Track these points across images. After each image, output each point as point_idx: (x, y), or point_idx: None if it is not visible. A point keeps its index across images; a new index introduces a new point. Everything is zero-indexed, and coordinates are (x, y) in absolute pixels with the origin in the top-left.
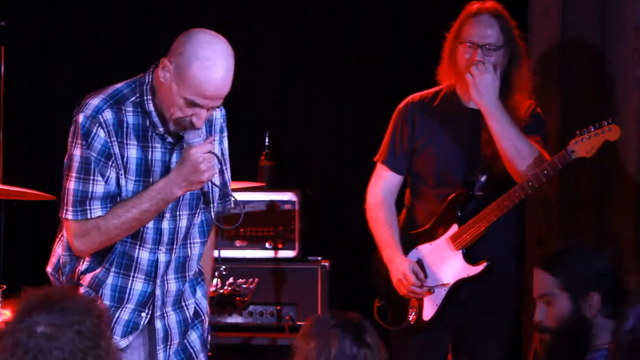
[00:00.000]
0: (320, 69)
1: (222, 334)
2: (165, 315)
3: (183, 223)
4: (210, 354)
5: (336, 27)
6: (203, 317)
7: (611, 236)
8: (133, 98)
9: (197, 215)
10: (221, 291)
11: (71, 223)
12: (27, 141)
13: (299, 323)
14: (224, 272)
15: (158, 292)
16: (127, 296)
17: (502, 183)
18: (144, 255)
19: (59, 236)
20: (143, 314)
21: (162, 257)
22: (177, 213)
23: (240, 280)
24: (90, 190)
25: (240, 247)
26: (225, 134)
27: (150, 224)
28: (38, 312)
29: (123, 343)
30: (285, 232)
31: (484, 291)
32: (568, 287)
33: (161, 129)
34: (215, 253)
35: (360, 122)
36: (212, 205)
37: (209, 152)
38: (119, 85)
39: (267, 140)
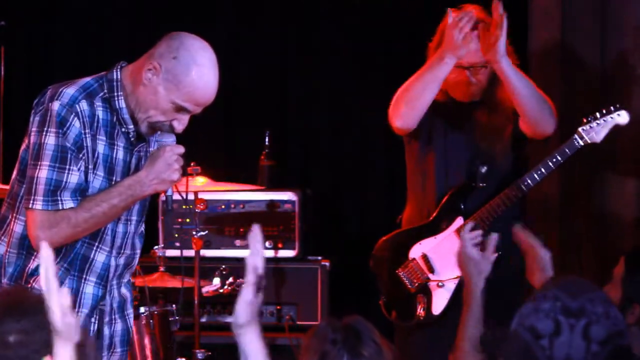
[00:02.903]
0: (321, 69)
1: (222, 334)
2: (113, 322)
3: (132, 228)
4: (209, 353)
5: (337, 27)
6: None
7: (611, 236)
8: (101, 94)
9: (141, 222)
10: (221, 291)
11: (38, 213)
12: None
13: (299, 323)
14: (224, 272)
15: (107, 297)
16: (80, 300)
17: (503, 174)
18: (99, 258)
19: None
20: (92, 319)
21: (113, 261)
22: (129, 217)
23: (240, 280)
24: (64, 180)
25: (240, 247)
26: None
27: (109, 225)
28: (3, 320)
29: None
30: (285, 232)
31: (488, 289)
32: (625, 290)
33: (131, 127)
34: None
35: (360, 122)
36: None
37: (179, 154)
38: (87, 79)
39: (267, 140)
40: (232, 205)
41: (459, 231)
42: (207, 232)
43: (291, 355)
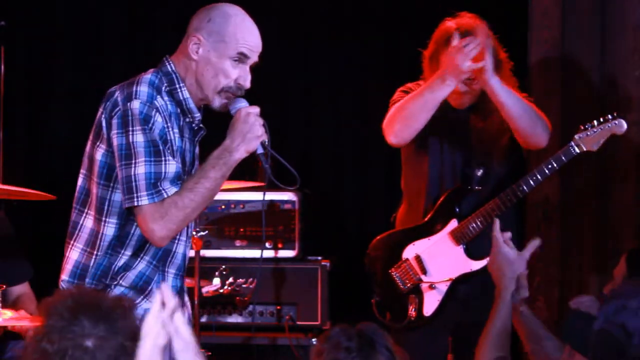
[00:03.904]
0: (321, 69)
1: (222, 334)
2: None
3: None
4: (209, 353)
5: (337, 28)
6: None
7: (611, 236)
8: (163, 88)
9: None
10: (221, 291)
11: (147, 208)
12: (27, 141)
13: (299, 323)
14: (224, 272)
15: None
16: None
17: (499, 178)
18: (179, 249)
19: (71, 242)
20: None
21: (187, 250)
22: None
23: (240, 280)
24: (163, 170)
25: (240, 247)
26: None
27: None
28: (82, 321)
29: None
30: (285, 232)
31: (484, 290)
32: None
33: (197, 115)
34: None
35: (360, 122)
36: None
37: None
38: (148, 75)
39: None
40: (232, 205)
41: (453, 233)
42: (207, 232)
43: (291, 355)
